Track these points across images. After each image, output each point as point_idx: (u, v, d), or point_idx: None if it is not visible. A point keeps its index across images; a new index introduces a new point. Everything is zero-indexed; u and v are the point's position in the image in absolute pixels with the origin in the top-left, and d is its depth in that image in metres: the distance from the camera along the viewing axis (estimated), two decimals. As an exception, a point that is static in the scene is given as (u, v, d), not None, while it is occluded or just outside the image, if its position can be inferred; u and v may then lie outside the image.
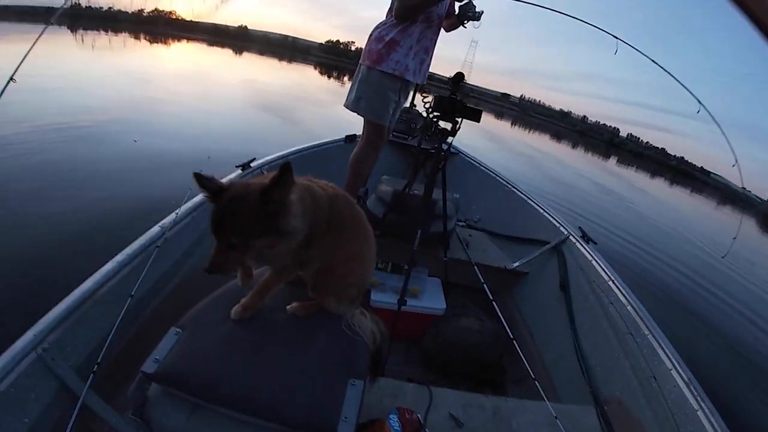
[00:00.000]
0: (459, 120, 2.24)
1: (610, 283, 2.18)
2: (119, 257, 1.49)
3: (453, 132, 2.26)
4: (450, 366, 2.15)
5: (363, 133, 2.62)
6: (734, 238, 3.11)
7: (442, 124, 2.30)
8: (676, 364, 1.69)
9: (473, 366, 2.14)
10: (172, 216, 1.80)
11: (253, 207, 0.88)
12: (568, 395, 1.96)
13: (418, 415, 1.32)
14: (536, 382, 1.77)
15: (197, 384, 0.97)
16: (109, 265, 1.43)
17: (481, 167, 3.70)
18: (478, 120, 2.26)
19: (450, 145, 2.41)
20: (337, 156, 3.15)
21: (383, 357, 1.29)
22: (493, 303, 2.12)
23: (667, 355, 1.74)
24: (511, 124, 32.39)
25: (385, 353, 1.30)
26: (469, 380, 2.14)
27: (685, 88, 2.64)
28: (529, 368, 1.85)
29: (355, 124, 2.97)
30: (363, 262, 1.24)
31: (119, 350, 1.34)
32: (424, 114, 2.46)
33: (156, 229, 1.70)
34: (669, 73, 2.61)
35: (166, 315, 1.12)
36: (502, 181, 3.49)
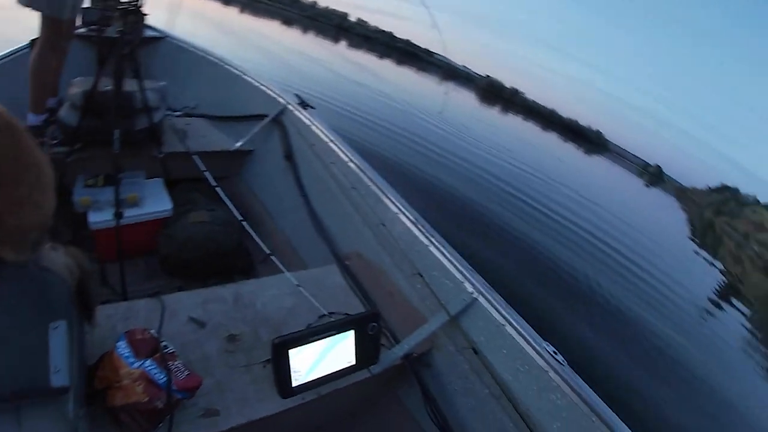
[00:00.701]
0: None
1: (331, 144, 2.23)
2: None
3: (136, 8, 1.90)
4: (192, 265, 2.05)
5: (40, 32, 2.05)
6: (446, 93, 3.57)
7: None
8: (402, 208, 1.83)
9: (215, 258, 2.08)
10: None
11: None
12: (314, 261, 2.03)
13: (152, 331, 1.22)
14: (273, 257, 1.79)
15: None
16: None
17: (191, 49, 3.32)
18: None
19: (140, 26, 2.04)
20: (25, 67, 2.48)
21: (90, 289, 1.12)
22: (217, 189, 2.02)
23: (392, 202, 1.86)
24: (240, 10, 30.41)
25: (91, 284, 1.12)
26: (216, 274, 2.08)
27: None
28: (268, 245, 1.84)
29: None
30: (37, 203, 0.99)
31: None
32: None
33: None
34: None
35: None
36: (215, 60, 3.20)
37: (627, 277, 7.49)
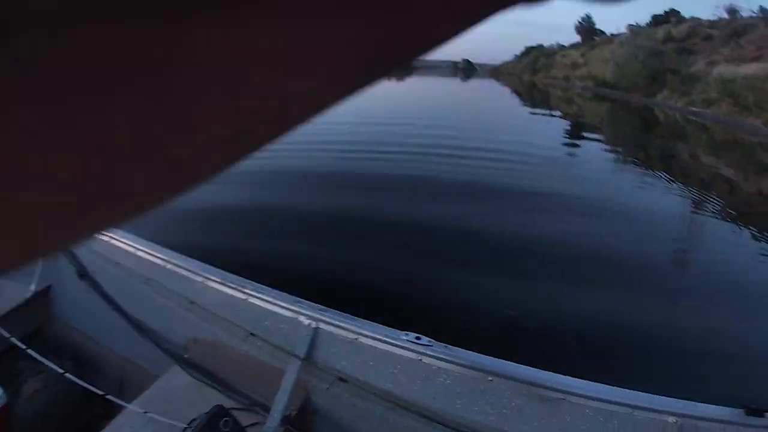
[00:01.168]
0: None
1: (113, 241, 2.07)
2: None
3: None
4: None
5: None
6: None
7: None
8: (205, 274, 1.71)
9: (70, 418, 1.84)
10: None
11: None
12: (158, 368, 1.77)
13: None
14: (110, 396, 1.61)
15: None
16: None
17: None
18: None
19: None
20: None
21: None
22: (28, 351, 1.77)
23: (192, 272, 1.74)
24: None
25: None
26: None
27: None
28: (109, 376, 1.78)
29: None
30: None
31: None
32: None
33: None
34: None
35: None
36: None
37: (481, 165, 7.07)
